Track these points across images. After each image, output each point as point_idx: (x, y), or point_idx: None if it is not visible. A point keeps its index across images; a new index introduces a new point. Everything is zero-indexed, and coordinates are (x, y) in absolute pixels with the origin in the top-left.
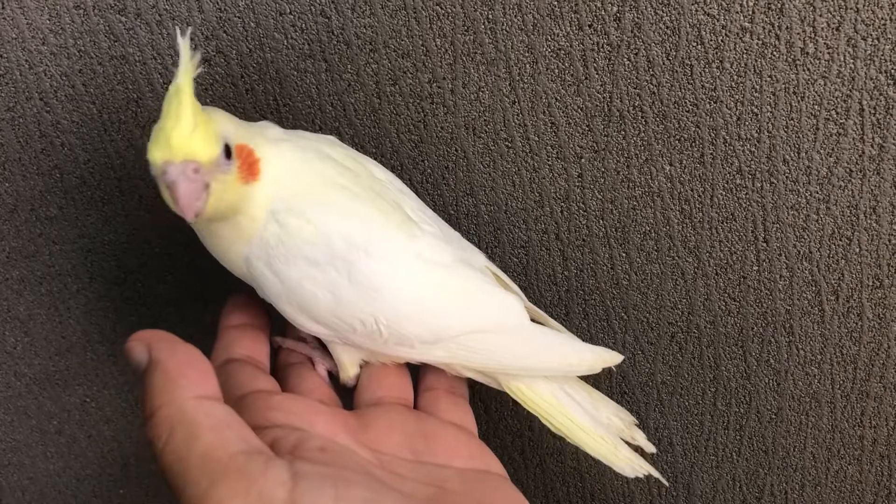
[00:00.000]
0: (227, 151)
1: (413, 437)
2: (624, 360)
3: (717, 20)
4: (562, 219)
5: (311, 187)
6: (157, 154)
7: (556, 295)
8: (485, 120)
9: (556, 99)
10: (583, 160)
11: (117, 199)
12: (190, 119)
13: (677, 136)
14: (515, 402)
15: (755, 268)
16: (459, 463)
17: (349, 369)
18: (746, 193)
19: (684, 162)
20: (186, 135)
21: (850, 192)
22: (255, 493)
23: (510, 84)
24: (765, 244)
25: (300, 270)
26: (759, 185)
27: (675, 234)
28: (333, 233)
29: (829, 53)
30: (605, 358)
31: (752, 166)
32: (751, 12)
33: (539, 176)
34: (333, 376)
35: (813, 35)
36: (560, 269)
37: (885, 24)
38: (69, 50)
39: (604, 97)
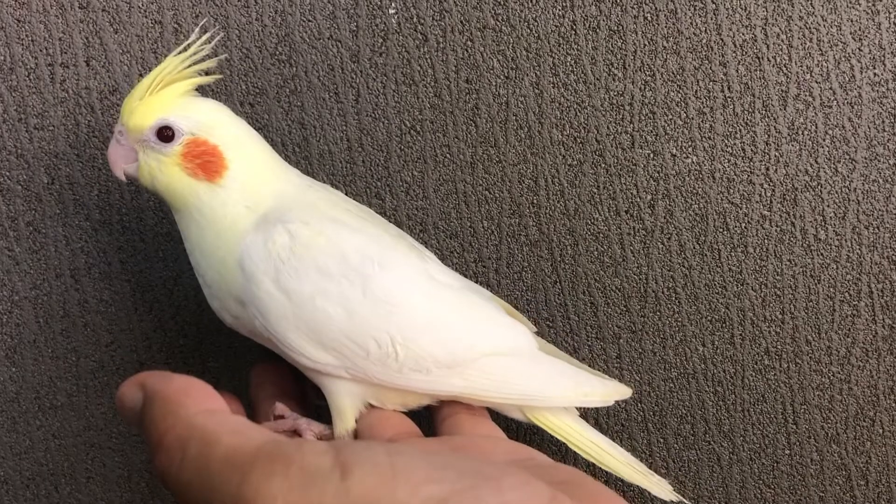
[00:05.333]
0: (166, 133)
1: (442, 452)
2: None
3: (740, 208)
4: None
5: (316, 205)
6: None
7: None
8: (527, 300)
9: (596, 280)
10: (621, 340)
11: None
12: (141, 92)
13: (709, 318)
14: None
15: (787, 451)
16: (500, 459)
17: (349, 419)
18: (775, 374)
19: (716, 343)
20: (131, 103)
21: (869, 373)
22: (295, 469)
23: (552, 265)
24: (794, 426)
25: (312, 284)
26: (785, 365)
27: (710, 417)
28: (346, 243)
29: (838, 240)
30: (618, 390)
31: (779, 347)
32: (769, 202)
33: (578, 357)
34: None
35: (823, 223)
36: None
37: (882, 215)
38: (112, 226)
39: (640, 278)
